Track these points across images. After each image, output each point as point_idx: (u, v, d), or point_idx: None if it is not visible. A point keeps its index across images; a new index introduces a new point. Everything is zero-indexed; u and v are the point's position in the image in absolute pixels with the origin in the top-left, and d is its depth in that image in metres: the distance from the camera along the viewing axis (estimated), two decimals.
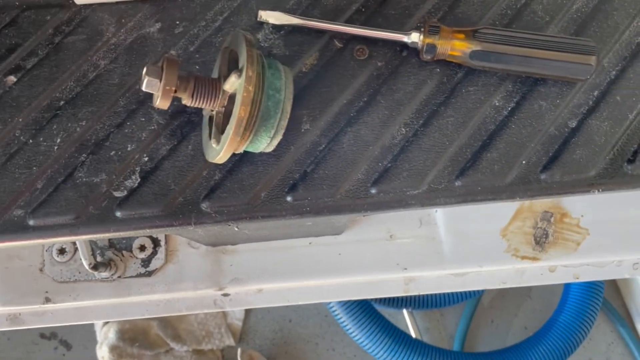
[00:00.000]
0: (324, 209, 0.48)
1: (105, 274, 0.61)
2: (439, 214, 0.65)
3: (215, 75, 0.49)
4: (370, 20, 0.53)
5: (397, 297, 1.29)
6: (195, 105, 0.44)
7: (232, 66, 0.45)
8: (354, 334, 1.13)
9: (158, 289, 0.64)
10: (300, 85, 0.51)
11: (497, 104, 0.50)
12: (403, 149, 0.49)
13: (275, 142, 0.46)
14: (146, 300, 0.64)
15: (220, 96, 0.44)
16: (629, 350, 1.39)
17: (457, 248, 0.65)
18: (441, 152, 0.49)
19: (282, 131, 0.45)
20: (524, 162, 0.49)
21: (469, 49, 0.48)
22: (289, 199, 0.48)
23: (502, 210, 0.65)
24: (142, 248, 0.63)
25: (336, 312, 1.13)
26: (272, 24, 0.52)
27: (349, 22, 0.53)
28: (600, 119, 0.50)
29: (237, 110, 0.40)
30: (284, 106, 0.44)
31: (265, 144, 0.45)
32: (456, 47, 0.49)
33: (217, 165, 0.49)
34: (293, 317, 1.43)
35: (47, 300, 0.63)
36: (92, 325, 1.41)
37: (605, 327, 1.40)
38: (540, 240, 0.63)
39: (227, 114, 0.44)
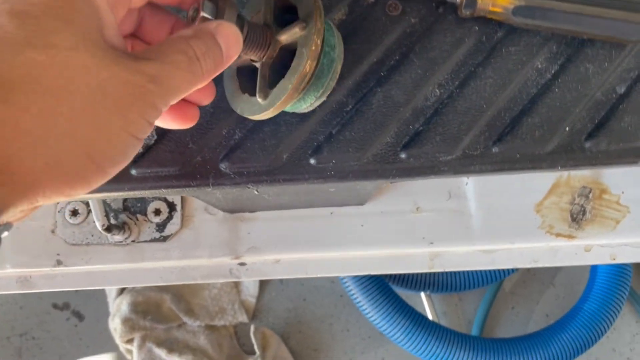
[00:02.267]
0: (349, 173, 0.45)
1: (118, 238, 0.59)
2: (470, 187, 0.62)
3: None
4: None
5: (416, 279, 1.26)
6: (245, 56, 0.40)
7: (278, 13, 0.41)
8: (369, 314, 1.11)
9: (173, 255, 0.61)
10: None
11: (539, 65, 0.47)
12: (437, 112, 0.46)
13: (318, 103, 0.43)
14: (160, 267, 0.62)
15: (271, 46, 0.40)
16: None
17: (488, 223, 0.61)
18: (478, 115, 0.45)
19: (329, 92, 0.42)
20: (567, 128, 0.45)
21: (512, 4, 0.45)
22: (312, 161, 0.45)
23: (537, 184, 0.61)
24: (157, 212, 0.61)
25: (352, 292, 1.10)
26: None
27: None
28: None
29: (303, 65, 0.37)
30: (336, 66, 0.41)
31: (309, 103, 0.42)
32: (498, 2, 0.45)
33: (237, 123, 0.46)
34: (308, 296, 1.42)
35: (59, 262, 0.61)
36: (104, 296, 1.41)
37: (630, 318, 1.36)
38: (577, 217, 0.59)
39: (276, 67, 0.40)
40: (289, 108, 0.42)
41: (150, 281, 0.62)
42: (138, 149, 0.31)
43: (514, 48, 0.47)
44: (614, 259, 0.60)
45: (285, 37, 0.39)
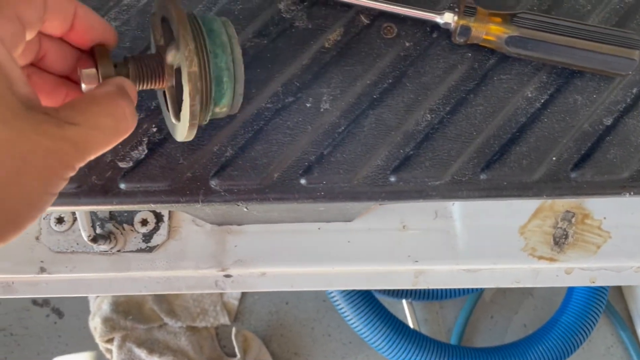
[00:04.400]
0: (339, 194, 0.45)
1: (104, 247, 0.58)
2: (456, 207, 0.62)
3: (152, 47, 0.43)
4: None
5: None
6: (144, 88, 0.39)
7: (168, 34, 0.40)
8: (351, 321, 1.11)
9: (159, 266, 0.61)
10: (322, 62, 0.48)
11: (529, 95, 0.47)
12: (427, 137, 0.46)
13: (239, 101, 0.41)
14: (145, 277, 0.62)
15: (166, 72, 0.39)
16: (628, 354, 1.38)
17: (472, 243, 0.62)
18: (467, 142, 0.46)
19: (241, 89, 0.40)
20: (554, 158, 0.46)
21: (505, 33, 0.45)
22: (303, 181, 0.45)
23: (522, 207, 0.62)
24: (144, 222, 0.61)
25: (335, 298, 1.11)
26: None
27: None
28: (637, 118, 0.47)
29: (188, 89, 0.36)
30: (232, 70, 0.39)
31: (226, 107, 0.41)
32: (492, 31, 0.46)
33: (228, 141, 0.46)
34: (290, 300, 1.42)
35: (42, 270, 0.61)
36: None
37: (605, 330, 1.39)
38: (560, 241, 0.60)
39: (179, 86, 0.39)
40: (214, 117, 0.41)
41: (135, 290, 0.61)
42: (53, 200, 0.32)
43: (505, 76, 0.48)
44: (594, 282, 0.61)
45: (170, 60, 0.38)
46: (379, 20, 0.49)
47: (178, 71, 0.38)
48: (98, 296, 1.32)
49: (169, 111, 0.41)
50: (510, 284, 0.62)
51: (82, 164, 0.32)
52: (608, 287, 1.18)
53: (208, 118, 0.41)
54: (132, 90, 0.37)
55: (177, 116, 0.40)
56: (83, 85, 0.36)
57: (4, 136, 0.27)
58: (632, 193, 0.46)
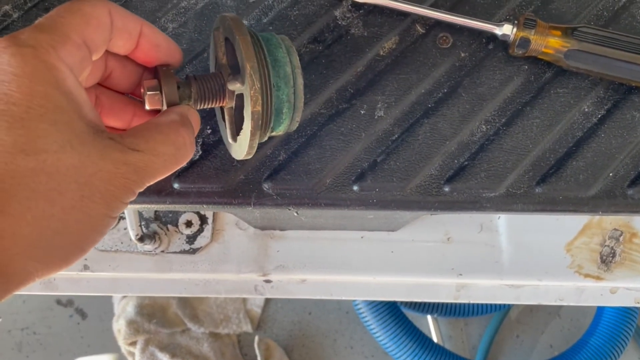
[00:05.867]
0: (391, 202, 0.45)
1: (148, 247, 0.59)
2: (502, 221, 0.62)
3: (211, 62, 0.44)
4: (457, 7, 0.49)
5: (425, 302, 1.26)
6: (204, 108, 0.39)
7: (230, 54, 0.39)
8: (376, 333, 1.10)
9: (201, 268, 0.61)
10: (376, 70, 0.48)
11: (586, 109, 0.47)
12: (482, 148, 0.46)
13: (297, 122, 0.41)
14: (186, 278, 0.62)
15: (227, 96, 0.39)
16: None
17: (518, 258, 0.61)
18: (523, 154, 0.46)
19: (299, 115, 0.41)
20: (610, 174, 0.45)
21: (565, 47, 0.45)
22: (355, 188, 0.45)
23: (569, 223, 0.61)
24: (189, 224, 0.61)
25: (360, 310, 1.10)
26: (353, 1, 0.49)
27: (435, 6, 0.49)
28: None
29: (250, 125, 0.36)
30: (296, 90, 0.39)
31: (283, 131, 0.41)
32: (551, 44, 0.45)
33: (282, 145, 0.46)
34: (313, 310, 1.41)
35: (86, 267, 0.61)
36: (109, 296, 1.41)
37: (633, 354, 1.36)
38: (607, 259, 0.59)
39: (238, 108, 0.39)
40: (274, 133, 0.42)
41: (174, 292, 0.62)
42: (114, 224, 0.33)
43: (562, 90, 0.47)
44: (639, 303, 0.60)
45: (233, 89, 0.38)
46: (435, 30, 0.49)
47: (239, 95, 0.39)
48: (123, 298, 1.33)
49: (225, 127, 0.41)
50: (554, 302, 0.61)
51: (141, 190, 0.32)
52: (638, 310, 1.16)
53: (265, 139, 0.42)
54: (194, 119, 0.37)
55: (234, 137, 0.40)
56: (147, 107, 0.37)
57: (71, 162, 0.28)
58: None
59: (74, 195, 0.28)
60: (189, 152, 0.36)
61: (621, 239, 0.59)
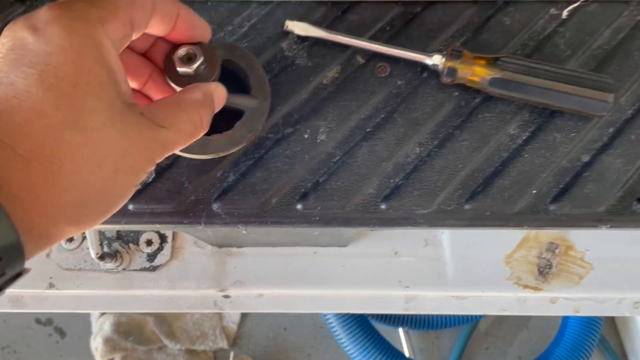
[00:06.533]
0: (333, 219, 0.49)
1: (110, 265, 0.61)
2: (445, 236, 0.65)
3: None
4: (394, 39, 0.54)
5: (395, 316, 1.29)
6: None
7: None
8: (348, 348, 1.13)
9: (161, 285, 0.64)
10: (319, 97, 0.51)
11: (512, 132, 0.51)
12: (416, 168, 0.50)
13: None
14: (148, 295, 0.65)
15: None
16: None
17: (461, 271, 0.65)
18: (453, 174, 0.49)
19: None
20: (534, 191, 0.49)
21: (489, 75, 0.49)
22: (299, 207, 0.48)
23: (508, 238, 0.65)
24: (149, 242, 0.64)
25: (332, 324, 1.13)
26: (298, 35, 0.53)
27: (373, 39, 0.53)
28: (613, 155, 0.50)
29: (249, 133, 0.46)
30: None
31: None
32: (477, 72, 0.49)
33: (231, 167, 0.49)
34: (288, 326, 1.43)
35: (51, 285, 0.64)
36: (88, 315, 1.42)
37: None
38: (544, 271, 0.63)
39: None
40: None
41: (138, 308, 0.64)
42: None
43: (489, 114, 0.51)
44: (578, 312, 0.64)
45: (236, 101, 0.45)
46: (374, 60, 0.53)
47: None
48: (101, 316, 1.35)
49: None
50: (498, 312, 0.64)
51: (160, 160, 0.35)
52: (602, 321, 1.20)
53: None
54: (218, 95, 0.40)
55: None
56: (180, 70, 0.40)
57: (111, 137, 0.31)
58: (607, 226, 0.49)
59: (110, 168, 0.31)
60: (203, 130, 0.38)
61: (557, 251, 0.63)
